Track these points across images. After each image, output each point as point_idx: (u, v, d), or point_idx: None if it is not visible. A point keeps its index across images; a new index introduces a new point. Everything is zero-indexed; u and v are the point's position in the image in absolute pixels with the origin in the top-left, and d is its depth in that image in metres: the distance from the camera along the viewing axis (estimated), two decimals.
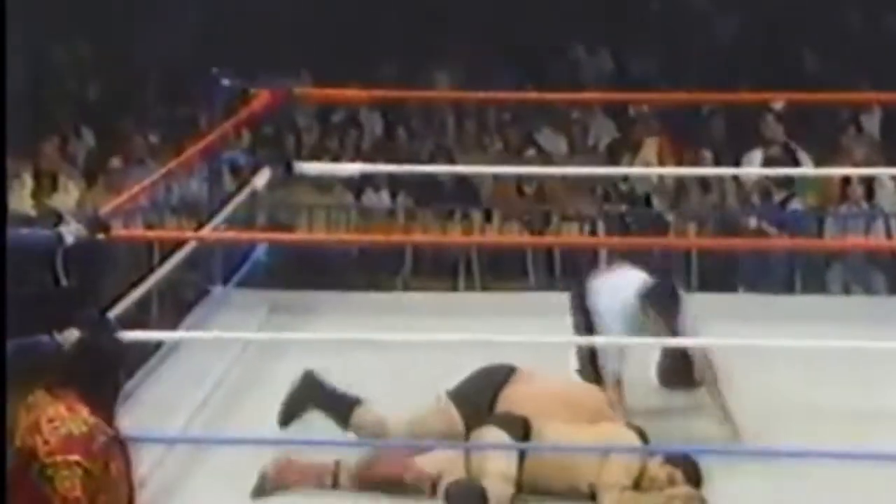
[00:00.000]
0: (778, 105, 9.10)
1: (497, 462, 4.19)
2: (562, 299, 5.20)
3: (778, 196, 8.62)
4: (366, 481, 4.23)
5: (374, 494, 4.24)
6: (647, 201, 8.92)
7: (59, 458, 2.68)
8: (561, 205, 8.93)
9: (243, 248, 6.11)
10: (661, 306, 4.67)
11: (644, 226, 8.56)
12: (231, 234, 5.74)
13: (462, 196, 9.02)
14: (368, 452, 4.31)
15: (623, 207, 8.81)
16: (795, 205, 8.58)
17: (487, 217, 8.95)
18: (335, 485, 4.28)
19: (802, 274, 8.19)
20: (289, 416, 4.52)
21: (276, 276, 6.39)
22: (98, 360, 2.86)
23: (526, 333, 4.94)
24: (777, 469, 4.45)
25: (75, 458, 2.68)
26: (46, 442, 2.68)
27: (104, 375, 2.85)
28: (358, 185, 8.97)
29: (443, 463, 4.24)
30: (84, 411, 2.75)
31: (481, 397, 4.44)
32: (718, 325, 4.96)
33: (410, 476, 4.21)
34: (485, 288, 8.41)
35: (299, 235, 8.15)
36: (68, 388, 2.76)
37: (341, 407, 4.48)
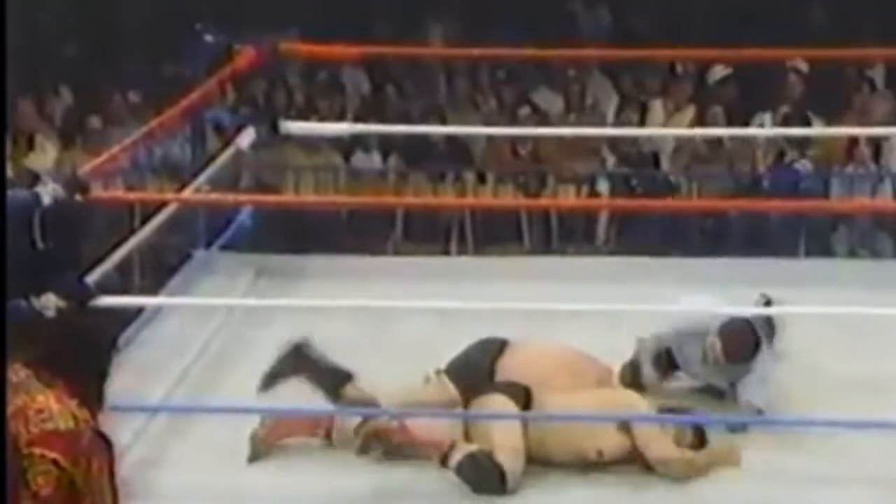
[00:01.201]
0: (802, 64, 9.05)
1: (505, 433, 4.19)
2: (557, 263, 5.19)
3: (791, 156, 8.60)
4: (369, 441, 4.21)
5: (373, 458, 4.23)
6: (656, 163, 8.87)
7: (37, 450, 2.64)
8: (557, 166, 8.90)
9: (227, 210, 6.10)
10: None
11: (650, 188, 8.53)
12: (215, 196, 5.71)
13: (455, 157, 8.99)
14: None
15: (622, 172, 8.78)
16: (802, 165, 8.54)
17: (481, 179, 8.93)
18: (328, 436, 4.28)
19: (807, 237, 8.18)
20: (271, 380, 4.44)
21: (261, 240, 6.35)
22: (85, 345, 2.82)
23: (520, 299, 4.94)
24: (781, 438, 4.46)
25: (54, 455, 2.65)
26: (30, 432, 2.64)
27: (91, 362, 2.80)
28: (347, 145, 8.94)
29: (452, 432, 4.23)
30: (72, 404, 2.72)
31: (478, 370, 4.43)
32: (721, 291, 4.95)
33: (421, 441, 4.19)
34: (478, 252, 8.40)
35: (286, 197, 8.14)
36: (55, 374, 2.73)
37: (331, 380, 4.44)
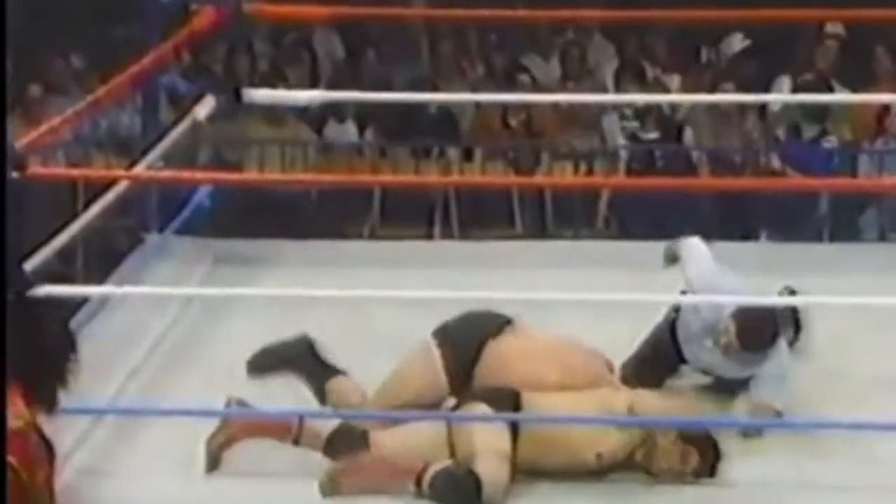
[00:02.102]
0: (837, 28, 9.03)
1: (487, 438, 4.19)
2: (553, 248, 5.20)
3: (809, 133, 8.60)
4: (335, 484, 4.22)
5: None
6: (679, 136, 8.85)
7: None
8: (553, 140, 8.90)
9: (183, 189, 6.09)
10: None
11: (672, 163, 8.50)
12: (169, 174, 5.70)
13: (439, 130, 8.98)
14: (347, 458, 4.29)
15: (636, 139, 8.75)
16: (828, 143, 8.54)
17: (468, 154, 8.92)
18: (297, 442, 4.28)
19: (832, 219, 8.19)
20: (260, 367, 4.54)
21: (221, 222, 6.36)
22: (33, 340, 2.81)
23: (512, 287, 4.95)
24: (800, 441, 4.46)
25: (8, 459, 2.63)
26: None
27: (40, 358, 2.80)
28: (318, 117, 8.93)
29: (426, 448, 4.24)
30: (20, 403, 2.70)
31: (467, 344, 4.46)
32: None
33: (394, 477, 4.20)
34: (464, 236, 8.40)
35: (249, 175, 8.12)
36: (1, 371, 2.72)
37: (321, 376, 4.50)
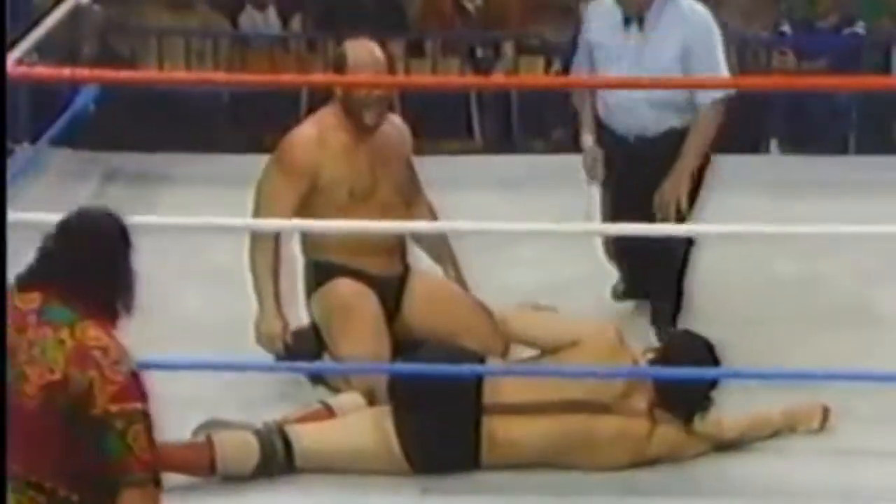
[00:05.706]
0: None
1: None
2: (518, 163, 5.23)
3: (828, 23, 8.62)
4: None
5: None
6: None
7: (129, 406, 2.78)
8: (518, 30, 8.90)
9: (62, 90, 6.10)
10: None
11: None
12: (44, 70, 5.68)
13: (380, 18, 8.95)
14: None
15: None
16: (861, 28, 8.56)
17: (416, 48, 8.91)
18: (212, 469, 4.22)
19: (859, 127, 8.23)
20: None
21: (110, 132, 6.42)
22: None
23: (469, 211, 5.01)
24: (819, 396, 4.46)
25: (139, 406, 2.80)
26: (111, 381, 2.77)
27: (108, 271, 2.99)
28: (233, 2, 8.90)
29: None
30: (112, 331, 2.87)
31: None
32: (744, 198, 4.96)
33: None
34: (414, 149, 8.39)
35: (145, 73, 8.06)
36: (77, 295, 2.89)
37: None
